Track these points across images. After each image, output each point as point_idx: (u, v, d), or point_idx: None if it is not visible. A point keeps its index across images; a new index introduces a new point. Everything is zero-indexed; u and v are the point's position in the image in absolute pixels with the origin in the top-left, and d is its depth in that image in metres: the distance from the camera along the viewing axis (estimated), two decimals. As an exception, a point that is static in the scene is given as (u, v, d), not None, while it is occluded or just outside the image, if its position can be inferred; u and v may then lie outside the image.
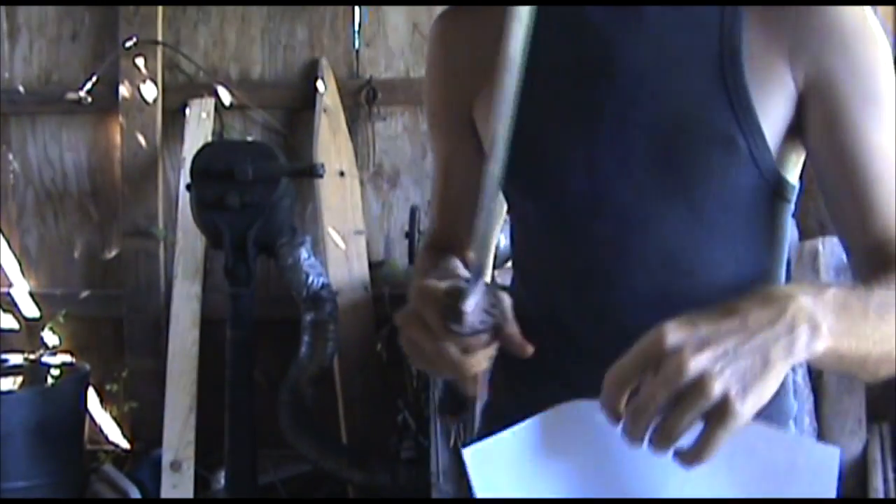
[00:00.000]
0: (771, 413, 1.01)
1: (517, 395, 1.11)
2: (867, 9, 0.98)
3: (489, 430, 1.07)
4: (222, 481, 3.01)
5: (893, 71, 0.98)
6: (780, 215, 1.07)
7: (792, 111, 1.00)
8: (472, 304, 0.85)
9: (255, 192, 2.83)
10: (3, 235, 3.46)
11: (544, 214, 1.08)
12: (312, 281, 2.94)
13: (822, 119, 0.99)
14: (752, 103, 0.98)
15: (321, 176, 2.95)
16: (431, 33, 1.17)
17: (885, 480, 2.67)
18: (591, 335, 1.06)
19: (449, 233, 1.22)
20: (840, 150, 0.99)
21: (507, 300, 0.92)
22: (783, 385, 1.03)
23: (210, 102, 3.30)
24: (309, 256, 2.97)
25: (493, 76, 1.04)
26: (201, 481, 3.07)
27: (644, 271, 1.02)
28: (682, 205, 1.00)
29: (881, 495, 2.63)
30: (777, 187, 1.03)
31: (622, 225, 1.02)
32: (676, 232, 1.01)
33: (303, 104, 3.29)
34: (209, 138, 3.22)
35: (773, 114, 0.99)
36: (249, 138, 3.32)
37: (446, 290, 0.88)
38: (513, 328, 0.90)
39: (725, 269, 1.02)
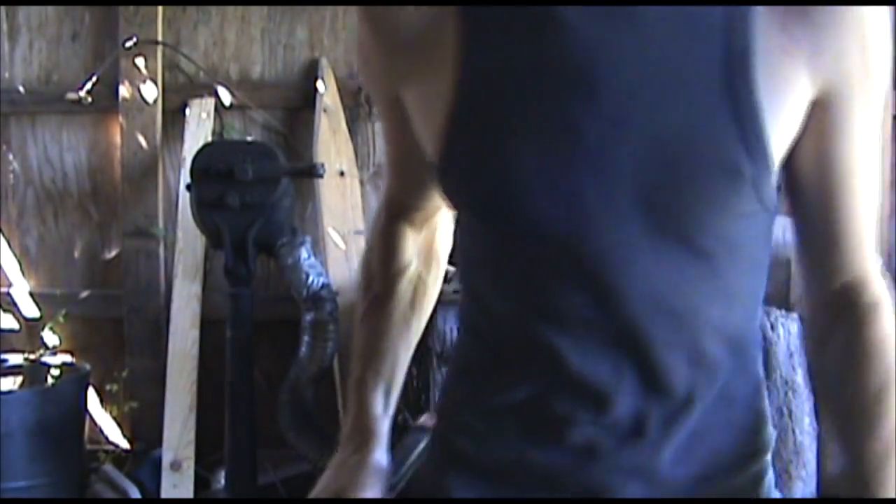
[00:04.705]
0: (745, 450, 0.98)
1: (469, 429, 1.01)
2: (886, 8, 0.88)
3: (438, 467, 1.04)
4: (222, 481, 3.01)
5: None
6: (770, 236, 0.98)
7: (801, 123, 0.88)
8: None
9: (255, 192, 2.83)
10: (3, 235, 3.45)
11: (509, 246, 0.94)
12: (312, 281, 2.94)
13: (820, 125, 0.89)
14: (763, 123, 0.84)
15: (321, 176, 2.95)
16: (358, 12, 1.02)
17: (885, 480, 2.67)
18: (546, 377, 0.95)
19: (399, 198, 1.14)
20: (834, 161, 0.90)
21: None
22: (760, 416, 1.00)
23: (210, 102, 3.30)
24: (309, 256, 2.97)
25: (427, 61, 0.92)
26: (201, 481, 3.07)
27: (623, 314, 0.90)
28: (673, 242, 0.88)
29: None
30: (774, 210, 0.93)
31: (602, 265, 0.88)
32: (665, 272, 0.89)
33: (303, 104, 3.29)
34: (209, 138, 3.22)
35: (784, 130, 0.87)
36: (249, 138, 3.32)
37: None
38: None
39: (713, 306, 0.92)
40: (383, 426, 1.09)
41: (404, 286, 1.14)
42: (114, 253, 3.46)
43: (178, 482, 2.99)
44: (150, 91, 3.30)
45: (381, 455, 1.06)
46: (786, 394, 2.65)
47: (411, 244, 1.15)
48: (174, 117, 3.34)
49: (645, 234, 0.87)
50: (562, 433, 0.94)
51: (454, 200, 0.97)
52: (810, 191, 0.93)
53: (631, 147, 0.85)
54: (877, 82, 0.89)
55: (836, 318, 0.95)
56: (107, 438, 3.40)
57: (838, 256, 0.94)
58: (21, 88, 3.43)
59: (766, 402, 1.02)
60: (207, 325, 3.12)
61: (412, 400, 3.05)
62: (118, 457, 3.33)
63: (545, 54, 0.86)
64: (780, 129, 0.86)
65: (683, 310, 0.90)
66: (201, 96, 3.31)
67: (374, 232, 1.18)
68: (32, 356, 3.23)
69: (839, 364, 0.94)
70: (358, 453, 1.06)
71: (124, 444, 3.40)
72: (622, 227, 0.87)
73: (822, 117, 0.88)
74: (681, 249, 0.89)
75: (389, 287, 1.14)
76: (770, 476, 1.01)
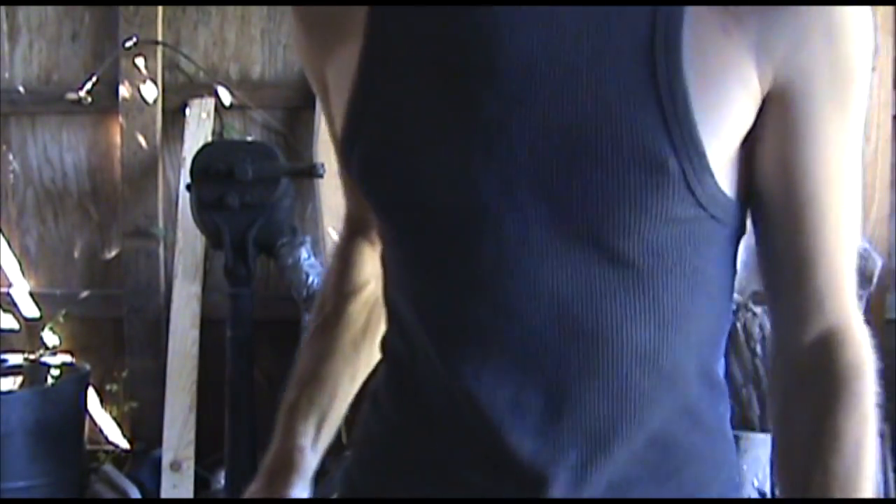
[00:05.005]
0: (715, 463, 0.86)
1: (371, 465, 0.93)
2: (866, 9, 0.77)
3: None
4: (222, 481, 3.01)
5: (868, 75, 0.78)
6: (728, 255, 0.83)
7: (751, 122, 0.77)
8: None
9: (255, 192, 2.84)
10: (3, 235, 3.45)
11: (412, 245, 0.84)
12: (312, 281, 2.94)
13: (782, 127, 0.76)
14: (690, 110, 0.73)
15: (321, 176, 2.95)
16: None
17: (886, 480, 2.67)
18: (445, 407, 0.82)
19: (356, 213, 1.05)
20: (798, 170, 0.77)
21: None
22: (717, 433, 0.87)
23: (210, 102, 3.30)
24: (309, 256, 2.97)
25: (340, 37, 0.85)
26: (201, 481, 3.07)
27: (527, 329, 0.77)
28: (586, 244, 0.76)
29: (881, 495, 2.63)
30: (727, 221, 0.80)
31: (501, 268, 0.77)
32: (575, 278, 0.76)
33: (303, 104, 3.29)
34: (209, 138, 3.22)
35: (727, 126, 0.75)
36: (249, 138, 3.32)
37: None
38: None
39: (639, 327, 0.78)
40: (309, 461, 0.99)
41: (357, 308, 1.02)
42: (114, 253, 3.46)
43: (178, 482, 2.99)
44: (150, 91, 3.30)
45: (300, 492, 0.98)
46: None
47: (369, 263, 1.02)
48: (174, 117, 3.34)
49: (551, 232, 0.76)
50: (462, 476, 0.82)
51: (361, 191, 0.87)
52: (774, 206, 0.79)
53: (530, 127, 0.74)
54: (851, 83, 0.76)
55: (805, 385, 0.81)
56: (107, 438, 3.40)
57: (807, 293, 0.80)
58: (21, 88, 3.43)
59: (727, 455, 0.88)
60: (207, 325, 3.12)
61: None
62: (118, 457, 3.33)
63: (450, 30, 0.77)
64: (717, 120, 0.74)
65: (599, 327, 0.77)
66: (201, 96, 3.31)
67: (333, 249, 1.09)
68: (32, 356, 3.23)
69: (805, 451, 0.81)
70: (274, 487, 0.98)
71: (124, 444, 3.40)
72: (524, 222, 0.76)
73: (782, 118, 0.76)
74: (595, 254, 0.76)
75: (340, 308, 1.02)
76: None
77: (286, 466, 0.98)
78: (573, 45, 0.74)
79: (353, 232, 1.04)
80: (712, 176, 0.75)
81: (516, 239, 0.76)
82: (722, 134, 0.74)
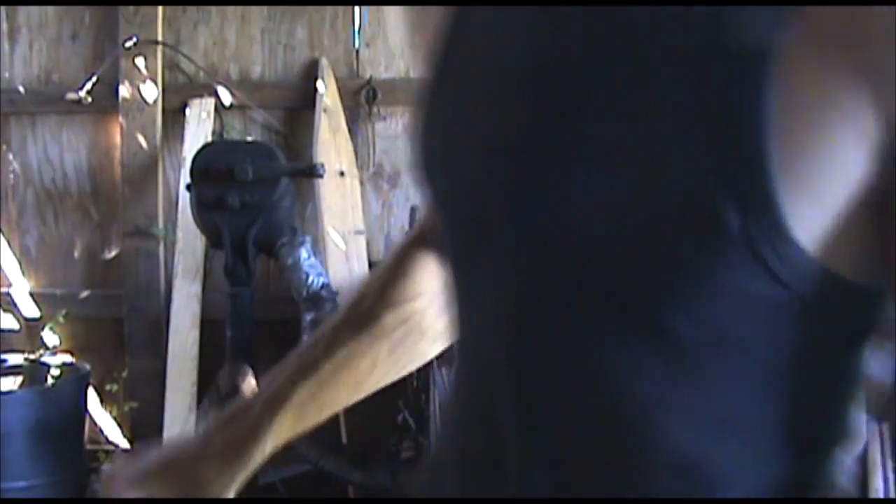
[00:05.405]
0: None
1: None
2: None
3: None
4: (222, 481, 3.01)
5: None
6: (834, 351, 0.61)
7: (867, 173, 0.54)
8: None
9: (255, 192, 2.84)
10: (3, 235, 3.46)
11: (444, 258, 0.74)
12: (312, 281, 2.94)
13: None
14: (763, 151, 0.53)
15: (321, 176, 2.95)
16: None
17: (885, 480, 2.68)
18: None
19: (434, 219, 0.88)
20: None
21: None
22: None
23: (210, 102, 3.30)
24: (309, 256, 2.98)
25: (422, 31, 0.76)
26: (201, 481, 3.07)
27: (538, 400, 0.63)
28: (618, 308, 0.59)
29: (881, 495, 2.63)
30: (829, 305, 0.58)
31: (517, 317, 0.63)
32: (604, 352, 0.60)
33: (303, 104, 3.29)
34: (209, 138, 3.22)
35: (823, 177, 0.54)
36: (249, 138, 3.32)
37: None
38: None
39: (680, 428, 0.60)
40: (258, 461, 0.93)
41: (395, 320, 0.90)
42: (114, 253, 3.46)
43: (178, 482, 2.99)
44: (150, 91, 3.30)
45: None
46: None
47: (428, 277, 0.88)
48: (174, 117, 3.35)
49: (576, 287, 0.60)
50: None
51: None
52: None
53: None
54: None
55: None
56: (107, 438, 3.40)
57: None
58: (21, 88, 3.43)
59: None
60: (207, 325, 3.12)
61: (412, 400, 3.05)
62: (118, 457, 3.34)
63: (498, 49, 0.66)
64: (805, 167, 0.53)
65: (626, 417, 0.60)
66: (201, 96, 3.31)
67: (398, 242, 0.96)
68: (32, 356, 3.23)
69: None
70: (228, 463, 0.96)
71: (124, 444, 3.40)
72: (543, 274, 0.61)
73: None
74: (632, 323, 0.59)
75: (377, 313, 0.90)
76: None
77: (242, 462, 0.97)
78: (608, 63, 0.59)
79: (424, 235, 0.89)
80: (795, 244, 0.54)
81: (534, 293, 0.62)
82: (814, 187, 0.54)
